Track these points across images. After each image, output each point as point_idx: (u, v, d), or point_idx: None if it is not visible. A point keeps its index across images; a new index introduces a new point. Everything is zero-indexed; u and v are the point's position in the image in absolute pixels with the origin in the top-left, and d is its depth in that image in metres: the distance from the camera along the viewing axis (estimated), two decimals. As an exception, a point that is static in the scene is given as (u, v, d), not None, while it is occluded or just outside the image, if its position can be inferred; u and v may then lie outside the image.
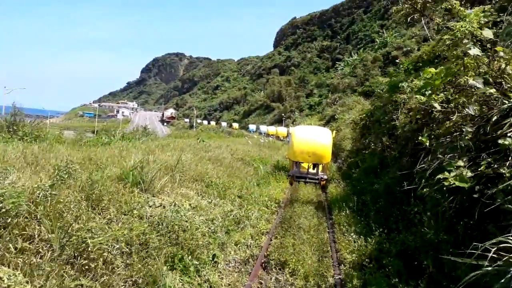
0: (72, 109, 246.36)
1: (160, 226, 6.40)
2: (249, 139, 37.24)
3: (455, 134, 4.65)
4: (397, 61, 54.03)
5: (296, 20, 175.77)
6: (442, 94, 4.97)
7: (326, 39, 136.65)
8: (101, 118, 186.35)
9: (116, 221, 5.94)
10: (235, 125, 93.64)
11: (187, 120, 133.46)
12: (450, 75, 4.66)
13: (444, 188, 4.10)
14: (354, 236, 7.81)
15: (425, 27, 11.91)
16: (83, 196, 5.96)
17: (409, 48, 67.26)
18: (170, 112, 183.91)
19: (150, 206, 7.11)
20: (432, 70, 4.73)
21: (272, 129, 64.85)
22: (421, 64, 10.79)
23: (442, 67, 4.83)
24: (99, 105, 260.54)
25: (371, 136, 12.76)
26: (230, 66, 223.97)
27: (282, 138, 55.25)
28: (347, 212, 9.75)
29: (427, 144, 4.83)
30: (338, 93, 66.48)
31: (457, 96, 4.92)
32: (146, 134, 21.14)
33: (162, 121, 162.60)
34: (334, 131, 35.39)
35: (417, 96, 5.46)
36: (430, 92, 4.94)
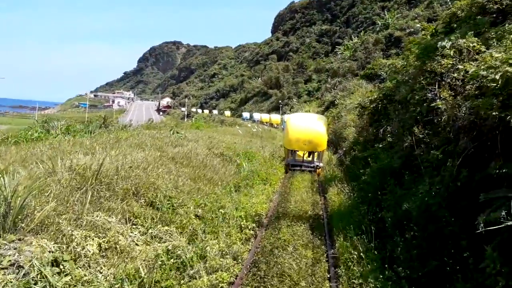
0: (68, 100, 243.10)
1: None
2: (240, 128, 33.77)
3: None
4: (406, 41, 50.70)
5: (295, 4, 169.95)
6: None
7: (326, 23, 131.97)
8: (97, 109, 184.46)
9: None
10: (227, 113, 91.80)
11: (183, 109, 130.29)
12: None
13: None
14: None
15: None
16: None
17: (412, 29, 63.94)
18: (166, 101, 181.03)
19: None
20: None
21: (265, 117, 64.51)
22: (455, 25, 7.26)
23: None
24: (94, 95, 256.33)
25: (388, 123, 9.34)
26: (228, 53, 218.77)
27: (276, 126, 54.74)
28: (357, 241, 6.35)
29: None
30: (338, 77, 62.89)
31: None
32: (106, 125, 17.69)
33: (158, 110, 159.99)
34: (329, 118, 32.41)
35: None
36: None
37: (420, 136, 6.11)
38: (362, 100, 13.12)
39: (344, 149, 24.25)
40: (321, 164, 17.25)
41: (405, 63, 8.02)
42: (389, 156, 8.64)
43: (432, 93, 6.21)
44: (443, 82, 6.11)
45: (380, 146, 9.55)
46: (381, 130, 9.50)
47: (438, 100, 5.84)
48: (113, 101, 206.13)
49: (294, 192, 11.95)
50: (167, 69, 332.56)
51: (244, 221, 7.81)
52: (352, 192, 9.91)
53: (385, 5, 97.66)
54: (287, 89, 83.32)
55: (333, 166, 17.09)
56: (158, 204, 7.00)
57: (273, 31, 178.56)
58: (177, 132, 17.09)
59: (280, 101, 74.77)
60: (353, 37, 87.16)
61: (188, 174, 10.31)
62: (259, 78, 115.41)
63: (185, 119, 71.81)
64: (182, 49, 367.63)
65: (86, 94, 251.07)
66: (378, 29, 79.92)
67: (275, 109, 75.00)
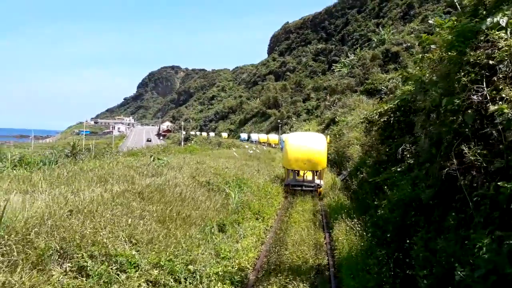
0: (68, 128, 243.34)
1: None
2: (236, 151, 31.74)
3: None
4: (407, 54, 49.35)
5: (289, 25, 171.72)
6: None
7: (321, 42, 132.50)
8: (98, 135, 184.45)
9: None
10: (224, 134, 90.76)
11: (184, 132, 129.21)
12: None
13: None
14: None
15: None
16: None
17: (409, 44, 63.34)
18: (166, 125, 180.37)
19: None
20: None
21: (263, 137, 64.25)
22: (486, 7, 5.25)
23: None
24: (95, 122, 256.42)
25: (405, 140, 7.28)
26: (226, 75, 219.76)
27: (274, 146, 54.39)
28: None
29: None
30: (337, 94, 61.52)
31: None
32: (74, 154, 15.48)
33: (158, 134, 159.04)
34: (328, 137, 30.70)
35: None
36: None
37: (471, 157, 4.00)
38: (369, 114, 11.07)
39: (348, 169, 22.08)
40: (322, 183, 17.00)
41: (425, 61, 6.01)
42: (411, 184, 6.53)
43: (480, 94, 4.17)
44: (496, 77, 4.10)
45: (399, 169, 7.45)
46: (400, 149, 7.39)
47: (493, 104, 3.81)
48: (113, 127, 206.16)
49: (292, 229, 9.74)
50: (167, 94, 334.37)
51: (220, 284, 5.60)
52: (365, 230, 7.72)
53: (379, 22, 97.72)
54: (286, 109, 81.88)
55: (337, 191, 14.89)
56: (91, 269, 4.83)
57: (269, 52, 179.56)
58: (159, 159, 14.99)
59: (279, 120, 73.11)
60: (349, 54, 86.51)
61: (156, 213, 8.16)
62: (257, 99, 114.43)
63: (182, 143, 69.89)
64: (181, 73, 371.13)
65: (87, 121, 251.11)
66: (374, 45, 79.34)
67: (275, 129, 73.29)
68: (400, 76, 7.35)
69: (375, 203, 8.03)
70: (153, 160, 14.86)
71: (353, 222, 8.40)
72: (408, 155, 7.37)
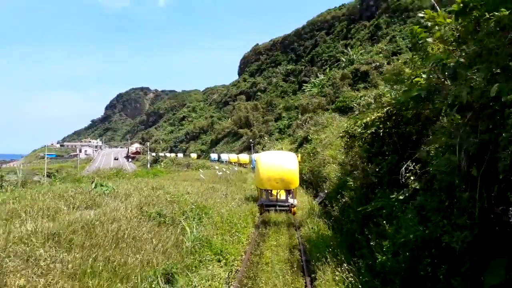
0: (33, 151, 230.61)
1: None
2: (203, 172, 29.36)
3: None
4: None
5: (259, 46, 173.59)
6: None
7: (291, 63, 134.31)
8: (64, 159, 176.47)
9: None
10: (193, 155, 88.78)
11: (154, 154, 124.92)
12: None
13: None
14: None
15: None
16: None
17: (378, 63, 64.50)
18: (135, 147, 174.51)
19: None
20: None
21: (233, 157, 63.72)
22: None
23: None
24: (61, 145, 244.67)
25: (400, 157, 5.52)
26: (196, 96, 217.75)
27: (244, 165, 54.08)
28: None
29: None
30: (308, 113, 60.90)
31: None
32: None
33: (127, 157, 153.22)
34: (299, 155, 29.36)
35: None
36: None
37: None
38: (349, 126, 9.26)
39: (326, 191, 20.28)
40: (295, 202, 16.99)
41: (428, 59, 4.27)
42: (417, 216, 4.70)
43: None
44: None
45: (400, 197, 5.61)
46: (403, 169, 5.57)
47: None
48: (80, 150, 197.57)
49: (263, 275, 7.61)
50: (136, 115, 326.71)
51: None
52: (359, 280, 5.72)
53: (347, 43, 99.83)
54: (258, 128, 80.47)
55: (316, 218, 12.91)
56: None
57: (239, 73, 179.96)
58: (102, 185, 12.50)
59: (251, 140, 71.40)
60: (319, 74, 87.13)
61: (72, 264, 5.83)
62: (229, 119, 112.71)
63: (148, 165, 66.39)
64: (150, 94, 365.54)
65: (52, 144, 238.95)
66: (343, 65, 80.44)
67: (247, 148, 71.45)
68: (413, 59, 5.54)
69: (371, 242, 6.06)
70: (94, 187, 12.38)
71: (341, 268, 6.34)
72: (410, 176, 5.55)
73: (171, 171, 38.26)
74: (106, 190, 12.39)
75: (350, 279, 5.83)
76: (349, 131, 8.91)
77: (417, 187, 5.37)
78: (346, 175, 12.04)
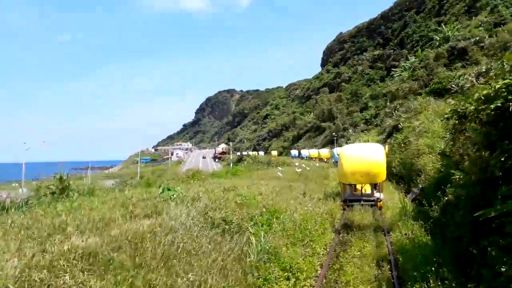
0: (129, 157, 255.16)
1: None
2: (282, 170, 27.93)
3: None
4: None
5: (343, 35, 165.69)
6: None
7: (378, 48, 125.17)
8: (157, 162, 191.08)
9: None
10: (274, 153, 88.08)
11: (239, 153, 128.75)
12: None
13: None
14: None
15: None
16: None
17: (478, 38, 55.58)
18: (221, 147, 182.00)
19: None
20: None
21: (314, 152, 62.19)
22: None
23: None
24: (155, 149, 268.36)
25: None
26: (279, 93, 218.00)
27: (325, 160, 52.88)
28: None
29: None
30: (398, 100, 55.37)
31: None
32: (62, 190, 12.36)
33: (215, 157, 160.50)
34: (387, 146, 26.32)
35: None
36: None
37: None
38: (459, 104, 6.65)
39: (421, 186, 17.16)
40: (382, 196, 15.90)
41: None
42: None
43: None
44: None
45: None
46: None
47: None
48: (172, 153, 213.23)
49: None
50: (223, 117, 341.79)
51: None
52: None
53: (441, 20, 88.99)
54: (342, 120, 76.40)
55: (410, 220, 10.40)
56: None
57: (322, 64, 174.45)
58: (169, 189, 11.80)
59: (334, 133, 67.93)
60: (409, 57, 79.13)
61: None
62: (311, 113, 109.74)
63: (231, 165, 67.73)
64: (236, 95, 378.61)
65: (148, 149, 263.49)
66: (437, 44, 71.55)
67: (330, 143, 68.27)
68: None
69: (491, 259, 3.82)
70: (161, 192, 11.74)
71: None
72: None
73: (251, 170, 37.71)
74: (172, 194, 11.66)
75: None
76: (459, 110, 6.42)
77: None
78: (449, 167, 9.32)
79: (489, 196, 5.27)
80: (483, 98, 5.15)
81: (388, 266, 7.70)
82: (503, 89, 4.99)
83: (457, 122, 6.68)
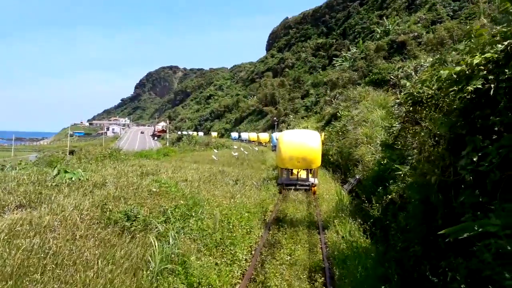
0: (62, 129, 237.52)
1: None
2: (217, 153, 26.22)
3: None
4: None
5: (288, 20, 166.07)
6: None
7: (321, 37, 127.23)
8: (92, 137, 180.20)
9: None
10: (214, 134, 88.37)
11: (179, 132, 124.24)
12: None
13: None
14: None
15: None
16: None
17: (416, 34, 58.31)
18: (161, 125, 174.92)
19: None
20: None
21: (253, 135, 63.13)
22: None
23: None
24: (90, 123, 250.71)
25: None
26: (223, 74, 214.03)
27: (264, 144, 53.57)
28: None
29: None
30: (338, 89, 56.22)
31: None
32: None
33: (153, 135, 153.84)
34: (323, 133, 26.41)
35: None
36: None
37: None
38: (415, 86, 5.35)
39: (357, 177, 16.62)
40: (316, 181, 16.59)
41: None
42: None
43: None
44: None
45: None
46: None
47: None
48: (107, 129, 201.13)
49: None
50: (164, 94, 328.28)
51: None
52: None
53: (382, 13, 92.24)
54: (283, 106, 76.42)
55: (348, 217, 9.36)
56: None
57: (267, 49, 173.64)
58: (66, 172, 9.47)
59: (275, 118, 67.69)
60: (351, 47, 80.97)
61: None
62: (254, 96, 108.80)
63: (167, 144, 64.59)
64: (179, 73, 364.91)
65: (82, 122, 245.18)
66: (378, 36, 73.99)
67: (271, 127, 68.00)
68: None
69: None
70: (56, 175, 9.38)
71: None
72: None
73: (186, 151, 35.40)
74: (71, 178, 9.37)
75: None
76: (415, 94, 5.18)
77: None
78: (392, 160, 8.32)
79: (453, 206, 4.08)
80: (456, 76, 3.88)
81: (322, 278, 6.44)
82: (482, 66, 3.74)
83: (411, 109, 5.48)
